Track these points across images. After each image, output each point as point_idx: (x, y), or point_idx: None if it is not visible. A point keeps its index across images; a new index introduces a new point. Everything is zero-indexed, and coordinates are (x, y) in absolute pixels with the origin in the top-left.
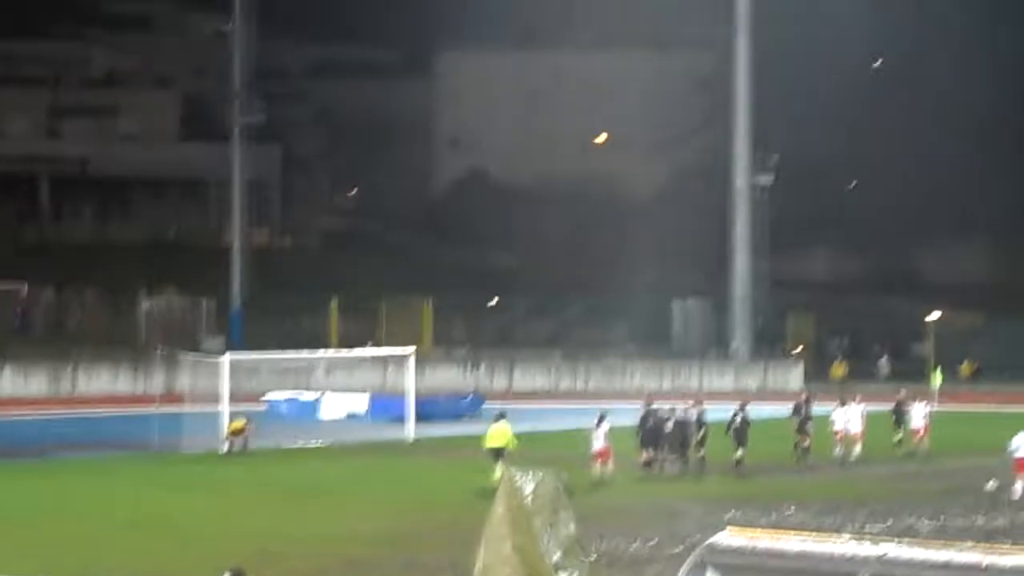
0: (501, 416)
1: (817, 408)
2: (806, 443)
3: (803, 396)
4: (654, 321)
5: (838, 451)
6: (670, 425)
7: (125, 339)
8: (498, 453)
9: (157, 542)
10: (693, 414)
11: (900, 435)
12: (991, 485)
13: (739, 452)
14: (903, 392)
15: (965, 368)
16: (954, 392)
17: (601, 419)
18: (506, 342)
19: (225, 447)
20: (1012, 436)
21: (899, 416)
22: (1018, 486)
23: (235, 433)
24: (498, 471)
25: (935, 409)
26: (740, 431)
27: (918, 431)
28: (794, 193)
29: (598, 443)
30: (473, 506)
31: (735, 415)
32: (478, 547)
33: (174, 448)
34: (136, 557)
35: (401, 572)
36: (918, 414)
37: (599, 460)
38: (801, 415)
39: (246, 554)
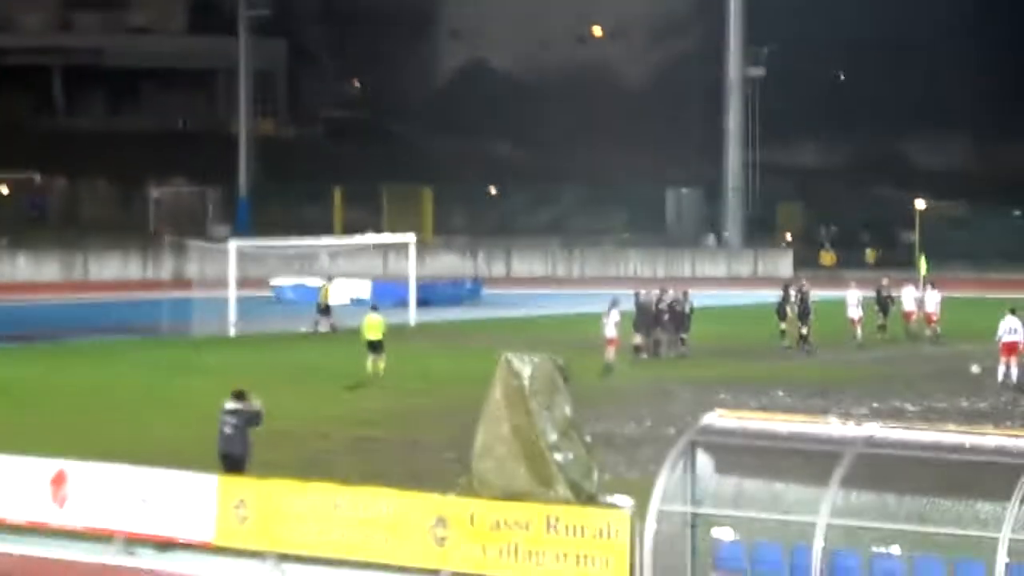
0: (374, 308)
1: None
2: (804, 330)
3: (803, 283)
4: (649, 209)
5: (929, 331)
6: (664, 310)
7: (135, 227)
8: (374, 344)
9: (158, 420)
10: (684, 300)
11: (883, 320)
12: (975, 369)
13: (804, 329)
14: (886, 280)
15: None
16: (938, 278)
17: (612, 306)
18: (505, 230)
19: (320, 325)
20: (999, 321)
21: (882, 302)
22: (1002, 369)
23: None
24: (374, 362)
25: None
26: (803, 309)
27: (910, 313)
28: (785, 84)
29: (610, 331)
30: (472, 388)
31: (795, 295)
32: (477, 427)
33: (183, 332)
34: (137, 435)
35: (404, 451)
36: (908, 297)
37: (610, 346)
38: (797, 302)
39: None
